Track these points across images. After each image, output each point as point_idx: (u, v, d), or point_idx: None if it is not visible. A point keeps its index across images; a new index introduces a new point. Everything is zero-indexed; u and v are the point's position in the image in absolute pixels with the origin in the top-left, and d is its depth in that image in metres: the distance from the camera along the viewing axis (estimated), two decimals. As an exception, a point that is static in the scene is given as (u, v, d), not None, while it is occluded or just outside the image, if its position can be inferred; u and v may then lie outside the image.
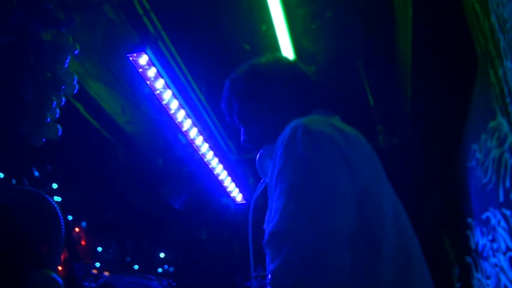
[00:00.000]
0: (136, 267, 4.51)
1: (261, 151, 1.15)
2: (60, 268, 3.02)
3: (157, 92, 2.72)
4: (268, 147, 1.10)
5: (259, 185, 1.18)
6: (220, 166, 3.66)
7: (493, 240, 1.98)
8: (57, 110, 2.04)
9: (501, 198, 1.75)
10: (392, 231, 0.85)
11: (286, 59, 1.29)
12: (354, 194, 0.84)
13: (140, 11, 2.40)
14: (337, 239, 0.77)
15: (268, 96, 1.18)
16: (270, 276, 0.77)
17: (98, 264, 4.02)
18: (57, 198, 3.36)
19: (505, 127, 1.56)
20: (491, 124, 1.78)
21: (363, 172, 0.87)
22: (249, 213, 1.16)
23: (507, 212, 1.71)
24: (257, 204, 1.17)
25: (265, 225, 0.99)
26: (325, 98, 1.20)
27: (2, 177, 2.93)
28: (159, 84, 2.66)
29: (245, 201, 4.22)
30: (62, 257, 3.07)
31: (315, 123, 0.92)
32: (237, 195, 4.16)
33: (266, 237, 0.82)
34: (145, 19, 2.43)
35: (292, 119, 0.96)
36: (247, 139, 1.21)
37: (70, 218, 3.72)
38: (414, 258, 0.88)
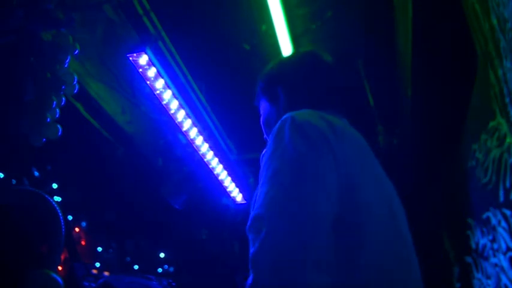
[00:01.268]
0: (136, 267, 4.51)
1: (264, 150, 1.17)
2: (60, 268, 3.02)
3: (157, 92, 2.72)
4: None
5: None
6: (220, 166, 3.66)
7: (493, 240, 1.98)
8: (57, 110, 2.04)
9: (501, 198, 1.75)
10: (378, 229, 0.85)
11: (301, 59, 1.29)
12: (338, 183, 0.85)
13: (140, 11, 2.40)
14: (316, 224, 0.77)
15: (274, 98, 1.22)
16: (250, 259, 0.77)
17: (98, 264, 4.02)
18: (57, 198, 3.36)
19: (504, 127, 1.56)
20: (491, 124, 1.78)
21: (349, 164, 0.88)
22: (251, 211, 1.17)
23: (507, 212, 1.71)
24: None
25: None
26: (336, 100, 1.20)
27: (2, 177, 2.93)
28: (159, 84, 2.66)
29: (245, 201, 4.22)
30: (62, 257, 3.07)
31: (304, 115, 0.94)
32: (237, 195, 4.16)
33: (248, 222, 0.83)
34: (145, 19, 2.43)
35: None
36: (264, 134, 1.26)
37: (70, 218, 3.72)
38: (404, 259, 0.88)
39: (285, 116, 0.94)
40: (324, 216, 0.79)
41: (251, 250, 0.78)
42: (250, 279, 0.76)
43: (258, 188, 0.89)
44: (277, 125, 0.94)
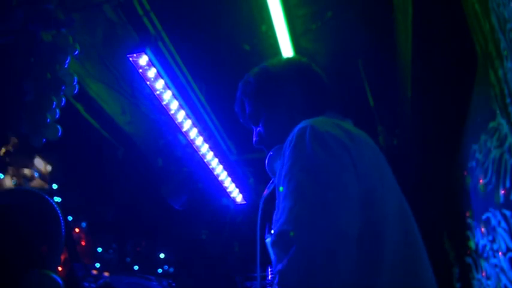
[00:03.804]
0: (136, 267, 4.50)
1: (270, 152, 1.15)
2: (60, 268, 3.02)
3: (157, 92, 2.71)
4: (278, 148, 1.11)
5: (268, 185, 1.17)
6: (220, 166, 3.66)
7: (493, 241, 1.98)
8: (57, 111, 2.04)
9: (501, 199, 1.75)
10: (396, 236, 0.85)
11: (297, 61, 1.28)
12: (360, 195, 0.84)
13: (140, 11, 2.40)
14: (343, 240, 0.77)
15: (279, 99, 1.19)
16: (277, 276, 0.78)
17: (98, 265, 4.02)
18: (57, 199, 3.35)
19: (505, 127, 1.56)
20: (491, 125, 1.78)
21: (368, 174, 0.88)
22: (258, 213, 1.17)
23: (507, 213, 1.71)
24: (266, 204, 1.17)
25: (273, 226, 1.00)
26: (337, 100, 1.20)
27: (2, 177, 2.93)
28: (159, 84, 2.66)
29: (245, 202, 4.22)
30: (62, 257, 3.07)
31: (323, 124, 0.93)
32: (237, 196, 4.16)
33: (273, 237, 0.82)
34: (145, 19, 2.43)
35: (302, 121, 0.96)
36: (258, 140, 1.22)
37: (70, 218, 3.72)
38: (420, 265, 0.88)
39: (302, 125, 0.92)
40: (351, 229, 0.79)
41: (278, 267, 0.79)
42: None
43: (281, 199, 0.87)
44: (295, 133, 0.91)
